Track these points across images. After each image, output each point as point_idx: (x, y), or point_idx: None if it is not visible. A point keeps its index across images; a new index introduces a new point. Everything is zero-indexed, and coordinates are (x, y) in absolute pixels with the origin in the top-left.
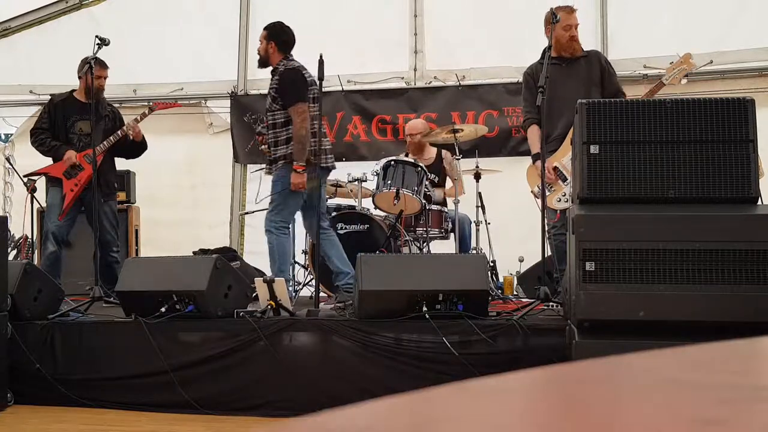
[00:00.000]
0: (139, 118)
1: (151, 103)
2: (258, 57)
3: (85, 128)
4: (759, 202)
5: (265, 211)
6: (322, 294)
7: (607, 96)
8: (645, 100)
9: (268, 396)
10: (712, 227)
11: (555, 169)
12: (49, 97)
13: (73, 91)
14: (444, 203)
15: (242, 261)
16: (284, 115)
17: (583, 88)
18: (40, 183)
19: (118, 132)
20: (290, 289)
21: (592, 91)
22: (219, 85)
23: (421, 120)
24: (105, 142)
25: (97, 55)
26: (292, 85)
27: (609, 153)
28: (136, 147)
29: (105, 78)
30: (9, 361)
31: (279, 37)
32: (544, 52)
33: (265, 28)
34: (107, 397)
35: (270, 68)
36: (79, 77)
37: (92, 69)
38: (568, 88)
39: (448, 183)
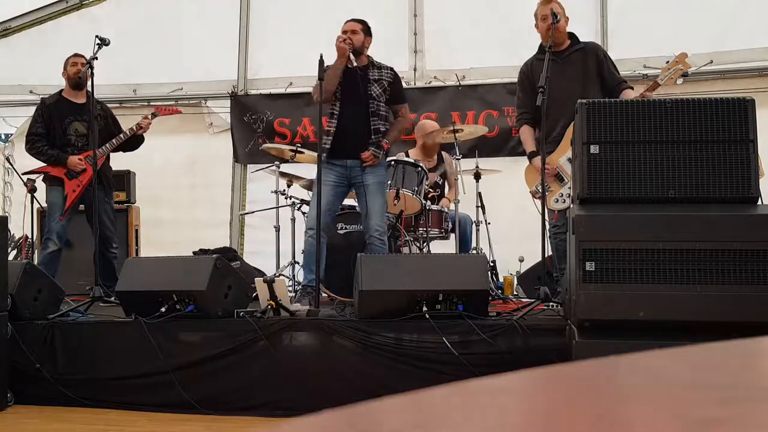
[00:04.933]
0: (149, 118)
1: (153, 109)
2: (352, 48)
3: (81, 129)
4: (759, 202)
5: (265, 212)
6: (322, 294)
7: (608, 87)
8: (645, 100)
9: (268, 396)
10: (712, 227)
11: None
12: (40, 100)
13: (62, 91)
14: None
15: (242, 261)
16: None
17: (580, 84)
18: (40, 183)
19: (127, 131)
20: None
21: (589, 87)
22: (219, 85)
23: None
24: (114, 140)
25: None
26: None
27: (609, 153)
28: (136, 141)
29: (83, 65)
30: (9, 361)
31: (370, 34)
32: (540, 48)
33: (360, 22)
34: (107, 397)
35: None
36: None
37: (92, 69)
38: (564, 86)
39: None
